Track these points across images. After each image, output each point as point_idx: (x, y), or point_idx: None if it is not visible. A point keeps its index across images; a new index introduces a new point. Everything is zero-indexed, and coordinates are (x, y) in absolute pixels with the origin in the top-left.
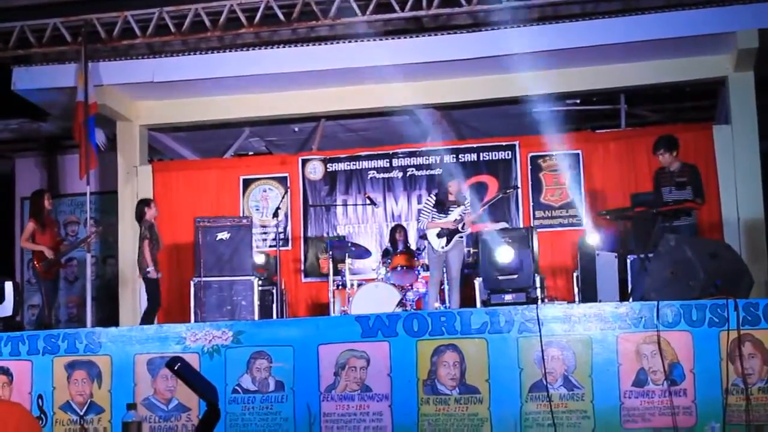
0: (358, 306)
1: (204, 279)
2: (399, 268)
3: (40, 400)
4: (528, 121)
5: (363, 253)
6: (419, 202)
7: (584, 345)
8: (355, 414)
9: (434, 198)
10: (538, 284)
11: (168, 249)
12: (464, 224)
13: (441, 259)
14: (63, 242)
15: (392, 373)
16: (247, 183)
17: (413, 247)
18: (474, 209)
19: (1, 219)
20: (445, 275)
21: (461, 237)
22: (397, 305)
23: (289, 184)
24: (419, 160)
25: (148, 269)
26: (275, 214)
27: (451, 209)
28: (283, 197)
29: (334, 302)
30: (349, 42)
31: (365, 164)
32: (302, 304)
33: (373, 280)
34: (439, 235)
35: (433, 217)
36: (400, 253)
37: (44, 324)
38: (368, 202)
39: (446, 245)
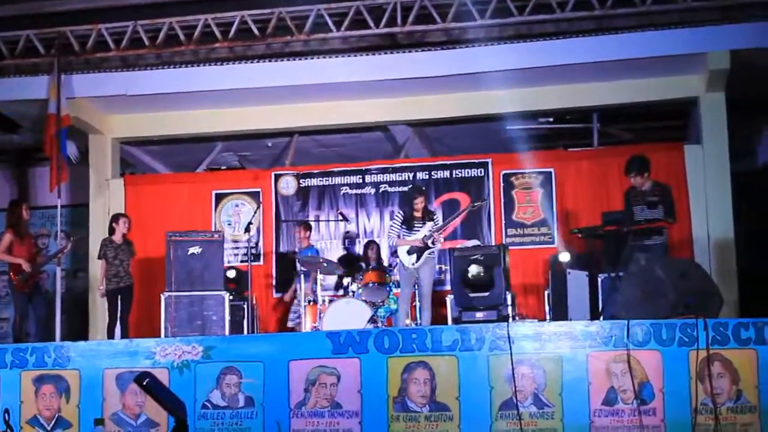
0: (330, 322)
1: (175, 293)
2: (370, 285)
3: (6, 415)
4: (501, 138)
5: (334, 269)
6: (392, 219)
7: (555, 363)
8: (325, 431)
9: (401, 215)
10: (509, 302)
11: (139, 263)
12: (433, 240)
13: (412, 275)
14: (39, 254)
15: (363, 389)
16: (219, 197)
17: (386, 263)
18: (443, 225)
19: None
20: (416, 292)
21: (432, 253)
22: (368, 322)
23: (261, 199)
24: (392, 177)
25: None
26: (247, 229)
27: (417, 226)
28: (255, 212)
29: (305, 318)
30: (324, 57)
31: (338, 180)
32: (273, 319)
33: (344, 296)
34: (409, 252)
35: (401, 234)
36: (372, 269)
37: (16, 338)
38: (341, 218)
39: (417, 262)
